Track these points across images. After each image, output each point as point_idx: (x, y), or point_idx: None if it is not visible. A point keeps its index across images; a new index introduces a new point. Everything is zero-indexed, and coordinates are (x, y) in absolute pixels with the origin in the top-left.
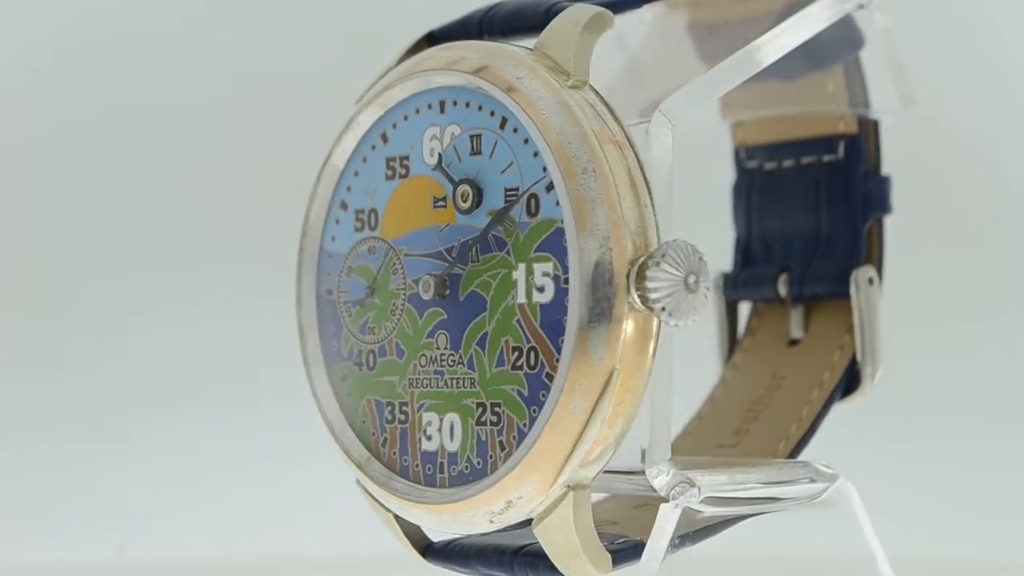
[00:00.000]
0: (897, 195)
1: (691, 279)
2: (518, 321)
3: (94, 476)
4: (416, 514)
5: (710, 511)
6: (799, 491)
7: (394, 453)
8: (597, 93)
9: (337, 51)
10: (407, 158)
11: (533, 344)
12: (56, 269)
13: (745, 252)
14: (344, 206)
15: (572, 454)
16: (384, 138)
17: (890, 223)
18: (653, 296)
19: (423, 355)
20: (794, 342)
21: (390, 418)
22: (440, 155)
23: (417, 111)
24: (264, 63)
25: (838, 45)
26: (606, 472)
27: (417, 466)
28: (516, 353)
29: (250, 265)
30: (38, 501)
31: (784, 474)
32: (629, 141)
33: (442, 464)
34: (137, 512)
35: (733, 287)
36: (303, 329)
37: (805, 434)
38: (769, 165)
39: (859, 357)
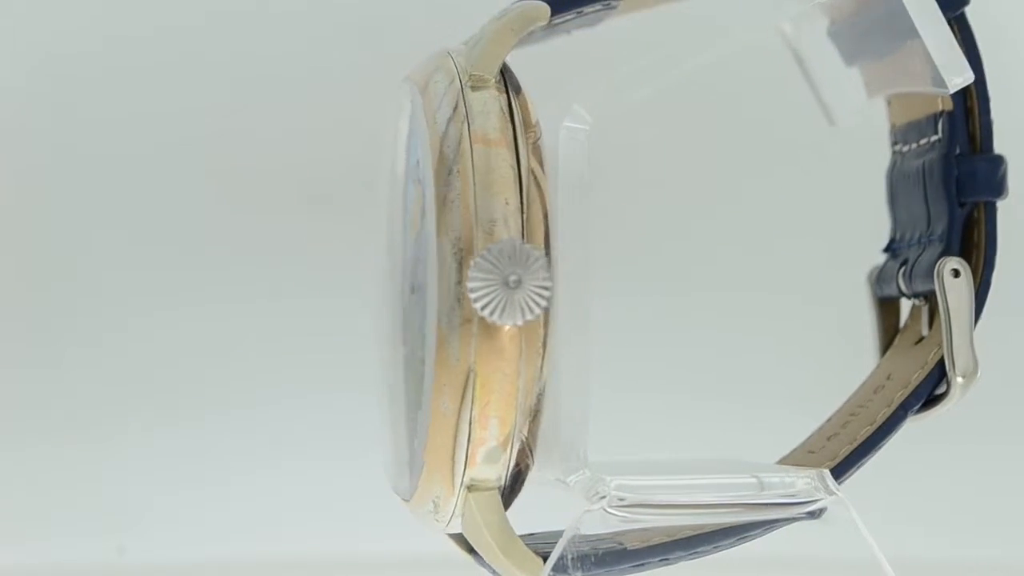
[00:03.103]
0: None
1: (512, 279)
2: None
3: (94, 476)
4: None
5: (650, 519)
6: (777, 503)
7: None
8: (507, 91)
9: (341, 52)
10: (418, 162)
11: None
12: (56, 269)
13: (890, 244)
14: (406, 210)
15: (454, 455)
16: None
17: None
18: (472, 296)
19: (421, 353)
20: (920, 340)
21: (411, 416)
22: (418, 160)
23: (416, 116)
24: (265, 65)
25: (902, 20)
26: (552, 479)
27: (412, 465)
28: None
29: (251, 265)
30: (38, 501)
31: (748, 482)
32: (515, 142)
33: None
34: (137, 512)
35: (877, 283)
36: (391, 332)
37: (869, 439)
38: (904, 148)
39: (945, 360)
